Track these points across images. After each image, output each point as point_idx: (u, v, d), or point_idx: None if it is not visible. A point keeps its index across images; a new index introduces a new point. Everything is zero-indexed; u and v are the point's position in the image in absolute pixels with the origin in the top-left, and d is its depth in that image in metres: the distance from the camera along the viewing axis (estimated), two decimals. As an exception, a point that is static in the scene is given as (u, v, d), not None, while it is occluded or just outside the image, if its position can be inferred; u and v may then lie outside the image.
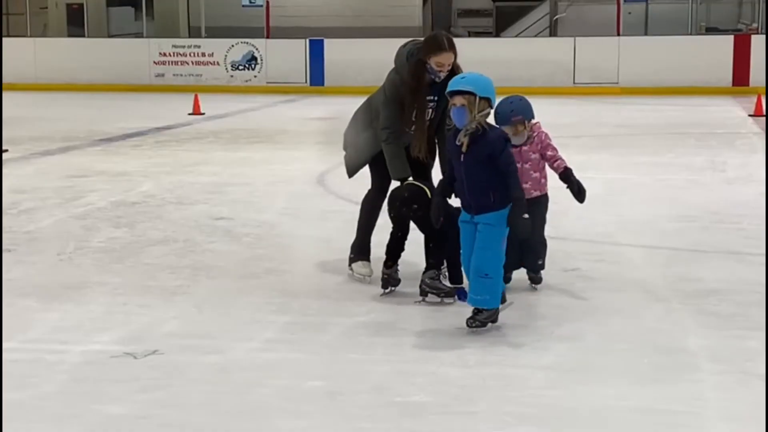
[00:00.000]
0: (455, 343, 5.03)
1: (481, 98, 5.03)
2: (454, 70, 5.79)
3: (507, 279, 5.76)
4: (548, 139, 5.86)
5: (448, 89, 5.09)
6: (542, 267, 6.00)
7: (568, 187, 5.80)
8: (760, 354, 4.84)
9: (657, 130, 14.59)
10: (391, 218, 5.88)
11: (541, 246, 5.94)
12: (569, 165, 5.81)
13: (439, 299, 5.68)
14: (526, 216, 5.03)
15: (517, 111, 5.73)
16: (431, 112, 5.97)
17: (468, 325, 5.11)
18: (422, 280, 5.74)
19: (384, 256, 5.89)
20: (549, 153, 5.82)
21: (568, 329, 5.27)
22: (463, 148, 5.06)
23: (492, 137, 5.06)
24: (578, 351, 4.93)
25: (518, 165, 5.59)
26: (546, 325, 5.35)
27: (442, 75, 5.79)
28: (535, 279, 6.01)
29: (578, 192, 5.78)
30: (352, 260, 6.33)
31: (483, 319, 5.13)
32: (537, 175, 5.83)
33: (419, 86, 5.82)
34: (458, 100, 5.04)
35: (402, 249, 5.92)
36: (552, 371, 4.64)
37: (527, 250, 5.84)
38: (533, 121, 5.84)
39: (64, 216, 8.44)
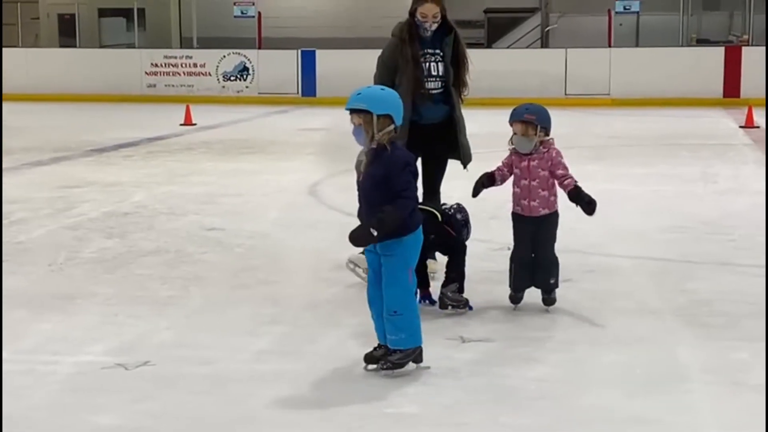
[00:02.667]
0: (447, 354, 5.03)
1: (379, 116, 4.58)
2: (447, 26, 6.30)
3: (518, 299, 5.73)
4: (560, 157, 5.61)
5: (346, 107, 4.69)
6: (555, 286, 5.74)
7: (578, 205, 5.58)
8: (752, 365, 4.85)
9: (648, 141, 14.63)
10: None
11: (551, 265, 5.70)
12: (578, 183, 5.60)
13: (462, 310, 5.72)
14: (374, 231, 4.49)
15: (533, 111, 5.57)
16: (436, 66, 6.32)
17: (380, 368, 4.69)
18: (443, 293, 5.76)
19: None
20: (559, 172, 5.58)
21: (559, 340, 5.28)
22: (362, 168, 4.68)
23: (392, 158, 4.59)
24: (570, 362, 4.93)
25: (525, 182, 5.58)
26: (538, 335, 5.35)
27: (429, 26, 6.26)
28: (547, 300, 5.75)
29: (588, 204, 5.53)
30: (357, 258, 6.34)
31: (396, 360, 4.66)
32: (545, 193, 5.62)
33: (405, 36, 6.28)
34: (354, 120, 4.65)
35: (426, 266, 5.89)
36: (544, 382, 4.64)
37: (537, 270, 5.67)
38: (548, 138, 5.62)
39: (55, 226, 8.42)
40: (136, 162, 12.64)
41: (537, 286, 5.73)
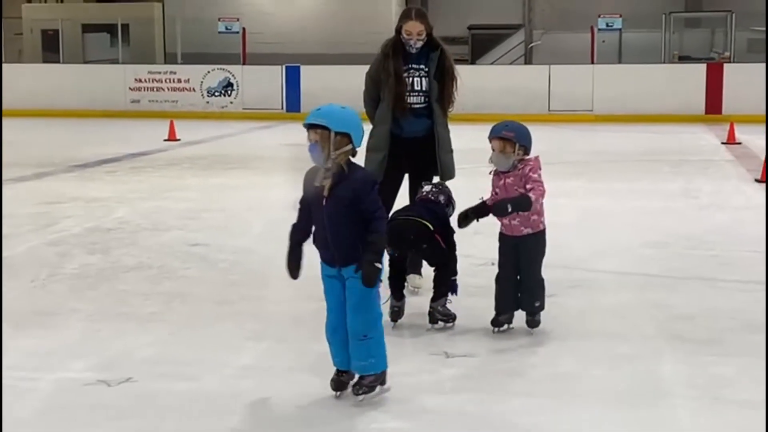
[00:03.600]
0: (432, 369, 5.03)
1: (337, 134, 4.42)
2: (433, 42, 6.38)
3: (499, 323, 5.58)
4: (533, 172, 5.44)
5: (304, 123, 4.55)
6: (540, 309, 5.61)
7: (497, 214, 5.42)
8: (734, 380, 4.88)
9: (631, 157, 14.70)
10: (392, 255, 5.74)
11: (536, 286, 5.56)
12: (534, 199, 5.33)
13: (450, 324, 5.73)
14: (379, 265, 4.38)
15: (512, 129, 5.46)
16: (420, 81, 6.39)
17: (355, 393, 4.58)
18: (434, 308, 5.75)
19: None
20: (528, 185, 5.41)
21: (543, 355, 5.28)
22: (325, 192, 4.45)
23: (357, 177, 4.46)
24: (554, 377, 4.94)
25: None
26: (521, 351, 5.35)
27: (414, 43, 6.32)
28: (531, 322, 5.61)
29: (525, 202, 5.31)
30: None
31: (370, 383, 4.58)
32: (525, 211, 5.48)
33: (389, 51, 6.36)
34: (311, 136, 4.47)
35: (405, 279, 5.92)
36: (528, 397, 4.65)
37: (523, 291, 5.57)
38: (528, 157, 5.49)
39: (38, 242, 8.39)
40: (119, 177, 12.61)
41: (522, 308, 5.61)
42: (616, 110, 20.40)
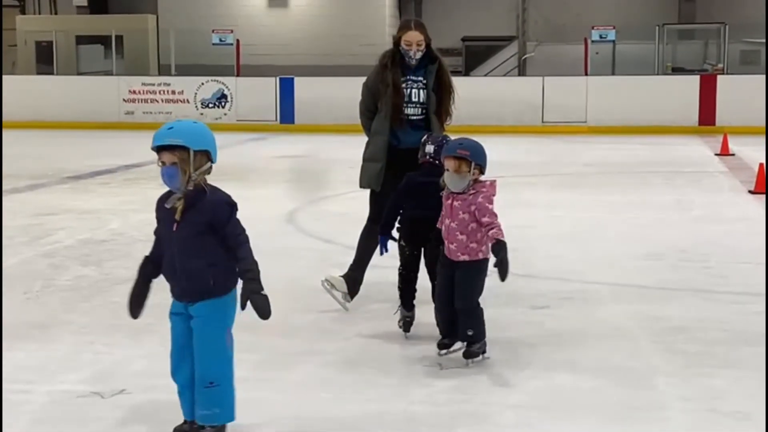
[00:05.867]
0: (425, 381, 5.03)
1: (196, 152, 4.00)
2: (432, 55, 6.37)
3: (442, 345, 5.31)
4: (487, 201, 5.10)
5: (154, 144, 4.08)
6: (476, 339, 5.21)
7: (495, 264, 4.98)
8: (727, 391, 4.88)
9: (624, 169, 14.72)
10: (407, 255, 5.69)
11: (469, 315, 5.20)
12: (504, 238, 5.01)
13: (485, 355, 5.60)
14: (264, 292, 3.99)
15: (467, 147, 5.12)
16: (418, 93, 6.38)
17: None
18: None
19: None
20: (485, 219, 5.05)
21: (537, 367, 5.28)
22: (177, 215, 3.98)
23: (215, 200, 4.04)
24: (547, 389, 4.93)
25: (447, 222, 5.17)
26: (515, 363, 5.35)
27: (414, 54, 6.31)
28: (466, 352, 5.22)
29: (502, 270, 4.93)
30: (334, 279, 6.38)
31: None
32: (463, 237, 5.14)
33: (387, 62, 6.36)
34: (166, 158, 3.98)
35: (415, 290, 5.81)
36: (521, 409, 4.65)
37: (458, 318, 5.22)
38: (484, 179, 5.20)
39: (31, 254, 8.37)
40: (113, 189, 12.60)
41: (457, 336, 5.29)
42: (609, 122, 20.45)
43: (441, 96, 6.43)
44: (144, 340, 5.81)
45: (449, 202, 5.19)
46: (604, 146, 17.97)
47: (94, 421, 4.48)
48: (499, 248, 4.94)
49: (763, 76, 19.59)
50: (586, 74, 21.47)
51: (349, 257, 6.50)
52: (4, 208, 10.90)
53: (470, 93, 20.88)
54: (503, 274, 4.94)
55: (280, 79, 22.04)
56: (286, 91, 21.98)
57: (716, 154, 16.15)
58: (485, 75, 25.71)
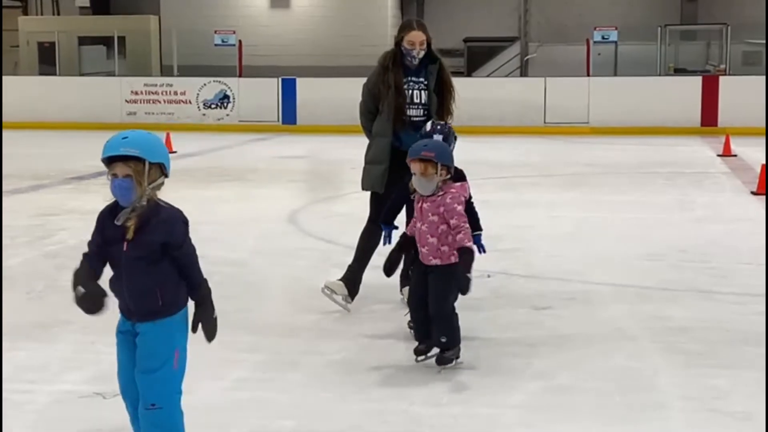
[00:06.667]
0: (426, 381, 5.03)
1: (152, 164, 3.68)
2: (432, 55, 6.36)
3: (419, 351, 5.22)
4: (456, 203, 5.00)
5: (106, 154, 3.81)
6: (449, 345, 5.11)
7: (460, 268, 4.91)
8: (729, 392, 4.88)
9: (626, 169, 14.72)
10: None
11: (443, 321, 5.10)
12: (470, 244, 4.95)
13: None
14: (215, 316, 3.87)
15: (432, 148, 5.03)
16: (419, 94, 6.38)
17: None
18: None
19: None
20: (453, 221, 4.96)
21: (538, 367, 5.28)
22: (129, 234, 3.67)
23: (170, 218, 3.71)
24: (549, 389, 4.94)
25: (419, 225, 5.11)
26: (517, 363, 5.35)
27: (416, 54, 6.30)
28: (439, 359, 5.13)
29: (462, 279, 4.83)
30: (333, 284, 6.39)
31: None
32: (434, 240, 5.05)
33: (388, 64, 6.35)
34: (120, 170, 3.70)
35: None
36: (523, 409, 4.65)
37: (432, 323, 5.14)
38: (457, 183, 5.12)
39: (34, 254, 8.38)
40: (115, 190, 12.57)
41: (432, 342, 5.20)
42: (611, 122, 20.44)
43: (442, 96, 6.43)
44: (146, 340, 5.81)
45: (419, 205, 5.11)
46: (605, 147, 17.96)
47: (95, 421, 4.49)
48: (466, 255, 4.85)
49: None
50: (588, 75, 21.46)
51: (351, 257, 6.50)
52: (7, 208, 10.92)
53: (472, 94, 20.95)
54: (460, 286, 4.85)
55: (282, 79, 22.05)
56: (288, 91, 21.99)
57: (718, 155, 16.14)
58: (487, 76, 25.71)
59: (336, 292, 6.36)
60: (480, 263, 7.53)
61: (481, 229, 5.70)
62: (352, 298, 6.39)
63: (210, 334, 3.86)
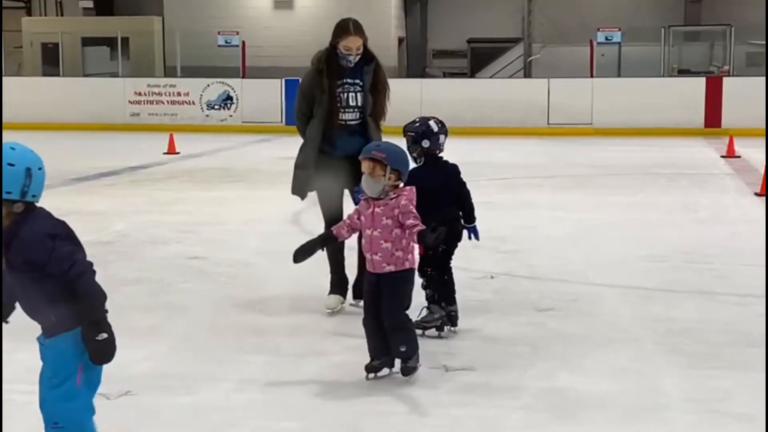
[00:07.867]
0: (431, 383, 5.03)
1: (27, 172, 3.63)
2: (368, 55, 6.22)
3: (371, 368, 5.04)
4: (411, 205, 4.84)
5: None
6: (409, 354, 4.95)
7: (425, 245, 4.86)
8: (732, 393, 4.88)
9: (630, 171, 14.71)
10: (432, 256, 5.68)
11: (399, 331, 4.93)
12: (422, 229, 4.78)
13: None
14: (102, 336, 3.52)
15: (384, 149, 4.89)
16: (355, 96, 6.25)
17: None
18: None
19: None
20: (409, 221, 4.79)
21: (542, 369, 5.28)
22: (3, 263, 3.49)
23: (29, 237, 3.48)
24: (553, 391, 4.93)
25: (369, 231, 4.90)
26: (521, 365, 5.35)
27: (352, 58, 6.17)
28: (404, 369, 4.98)
29: (426, 236, 4.70)
30: (331, 302, 6.44)
31: None
32: (388, 245, 4.86)
33: (323, 67, 6.19)
34: None
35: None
36: (527, 411, 4.65)
37: (387, 335, 4.96)
38: (402, 186, 4.94)
39: (36, 255, 8.37)
40: (118, 191, 12.61)
41: (389, 354, 5.02)
42: (615, 123, 20.43)
43: (376, 95, 6.31)
44: (149, 341, 5.83)
45: (370, 210, 4.90)
46: (609, 148, 17.95)
47: (99, 422, 4.48)
48: (423, 234, 4.70)
49: (769, 78, 19.58)
50: (592, 76, 21.45)
51: (353, 258, 6.50)
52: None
53: (476, 95, 21.04)
54: (425, 240, 4.71)
55: (286, 80, 22.05)
56: (292, 92, 21.90)
57: (722, 156, 16.12)
58: (491, 77, 25.69)
59: (335, 307, 6.40)
60: (483, 264, 7.57)
61: (475, 219, 5.79)
62: (353, 298, 6.41)
63: (94, 356, 3.52)
